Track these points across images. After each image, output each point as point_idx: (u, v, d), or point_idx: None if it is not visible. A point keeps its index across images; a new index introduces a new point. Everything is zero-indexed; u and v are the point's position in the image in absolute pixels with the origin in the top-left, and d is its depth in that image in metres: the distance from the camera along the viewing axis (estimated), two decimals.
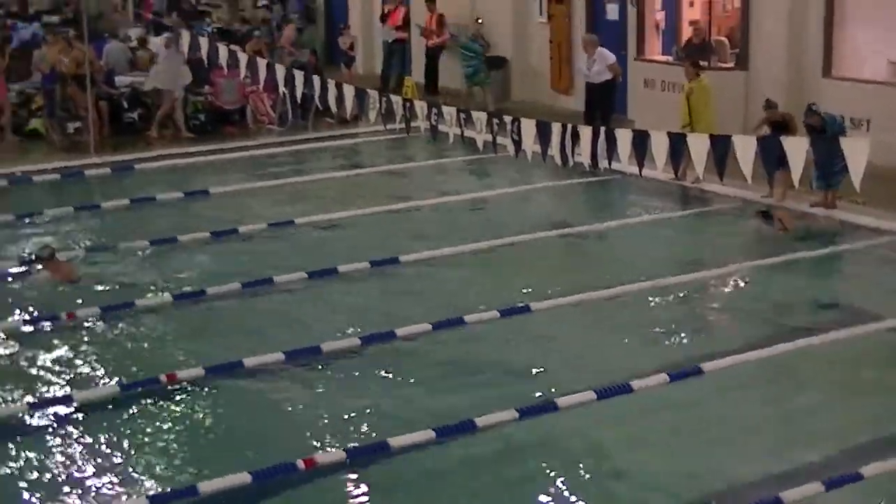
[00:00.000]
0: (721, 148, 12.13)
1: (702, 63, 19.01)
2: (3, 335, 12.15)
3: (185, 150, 21.25)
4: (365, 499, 8.90)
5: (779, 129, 15.96)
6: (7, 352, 11.80)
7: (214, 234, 15.73)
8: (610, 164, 14.28)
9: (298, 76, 17.70)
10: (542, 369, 11.19)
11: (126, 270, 14.46)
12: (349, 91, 16.95)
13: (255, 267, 14.27)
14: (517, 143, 14.71)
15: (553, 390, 10.48)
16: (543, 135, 14.35)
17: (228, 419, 10.29)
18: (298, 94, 18.48)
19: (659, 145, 12.92)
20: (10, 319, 12.62)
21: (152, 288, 13.54)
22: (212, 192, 18.19)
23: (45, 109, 22.35)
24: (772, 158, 12.31)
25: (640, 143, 13.24)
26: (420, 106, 16.18)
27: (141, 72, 24.24)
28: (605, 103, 20.67)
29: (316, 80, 17.60)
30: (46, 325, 12.46)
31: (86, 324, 12.48)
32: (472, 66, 24.55)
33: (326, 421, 10.14)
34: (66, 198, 17.80)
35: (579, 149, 14.09)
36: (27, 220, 16.68)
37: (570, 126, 14.27)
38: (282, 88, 18.17)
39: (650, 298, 13.12)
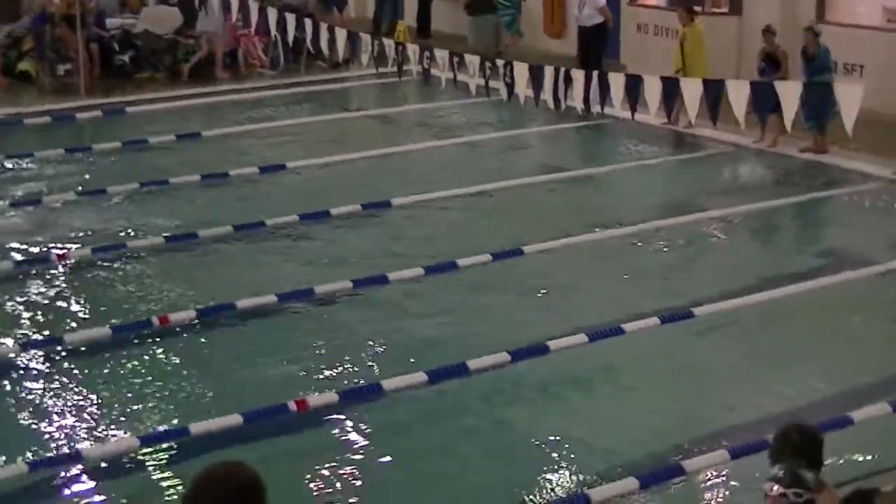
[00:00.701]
0: (714, 92, 12.15)
1: (695, 8, 18.93)
2: None
3: (177, 92, 21.14)
4: (358, 440, 8.92)
5: (771, 63, 15.96)
6: None
7: (206, 177, 15.69)
8: (603, 108, 14.26)
9: (290, 19, 17.62)
10: (533, 312, 11.21)
11: (118, 213, 14.44)
12: (341, 35, 16.89)
13: (247, 210, 14.25)
14: (510, 87, 14.69)
15: (543, 333, 10.49)
16: (536, 79, 14.34)
17: (221, 362, 10.32)
18: (290, 38, 18.38)
19: (652, 90, 12.92)
20: (1, 261, 12.60)
21: (143, 230, 13.51)
22: (203, 134, 18.12)
23: (35, 51, 22.21)
24: (765, 103, 12.30)
25: (633, 87, 13.23)
26: (412, 49, 16.13)
27: (132, 14, 24.10)
28: (596, 47, 20.60)
29: (308, 23, 17.51)
30: (37, 266, 12.44)
31: (77, 265, 12.47)
32: (509, 14, 24.39)
33: (318, 364, 10.16)
34: (57, 140, 17.70)
35: (572, 93, 14.07)
36: (18, 162, 16.61)
37: (562, 70, 14.25)
38: (273, 32, 18.07)
39: (639, 242, 13.15)
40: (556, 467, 8.47)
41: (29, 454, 8.58)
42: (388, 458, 8.68)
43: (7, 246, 13.10)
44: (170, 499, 8.14)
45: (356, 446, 8.84)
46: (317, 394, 9.46)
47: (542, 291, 11.91)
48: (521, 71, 14.40)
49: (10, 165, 16.51)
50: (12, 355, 10.27)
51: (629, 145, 17.55)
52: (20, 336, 10.70)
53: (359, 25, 22.70)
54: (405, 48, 16.18)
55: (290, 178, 16.00)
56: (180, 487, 8.22)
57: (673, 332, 10.71)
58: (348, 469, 8.44)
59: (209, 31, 22.38)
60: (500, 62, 14.90)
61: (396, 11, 26.60)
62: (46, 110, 19.67)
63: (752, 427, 8.89)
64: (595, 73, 13.85)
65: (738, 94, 11.78)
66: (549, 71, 14.22)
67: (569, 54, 21.71)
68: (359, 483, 8.31)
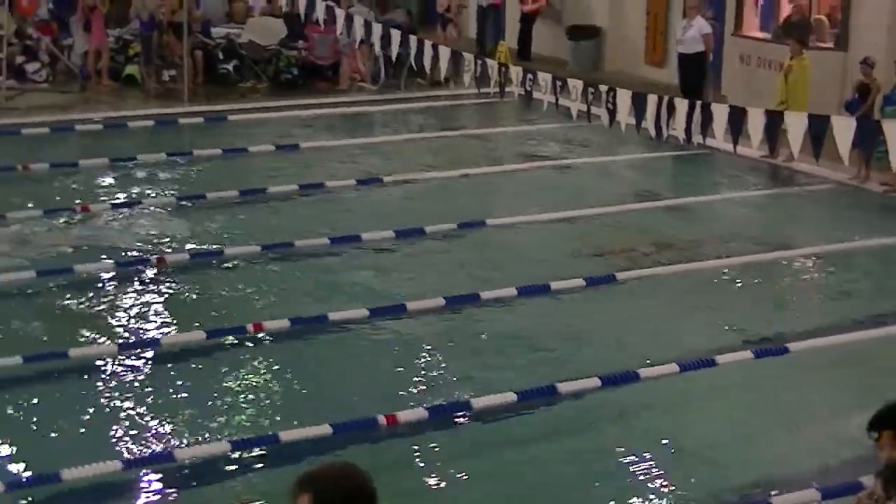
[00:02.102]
0: (819, 128, 12.02)
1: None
2: (92, 279, 12.32)
3: (277, 103, 21.38)
4: (445, 457, 8.94)
5: (863, 95, 15.85)
6: (96, 294, 11.98)
7: (303, 187, 15.83)
8: (704, 139, 14.16)
9: (394, 35, 17.74)
10: (625, 342, 11.17)
11: (216, 219, 14.62)
12: (444, 53, 16.96)
13: (343, 222, 14.36)
14: (611, 113, 14.67)
15: (636, 362, 10.46)
16: (638, 106, 14.30)
17: (312, 371, 10.41)
18: (393, 54, 18.50)
19: (755, 122, 12.82)
20: (100, 262, 12.81)
21: (240, 238, 13.66)
22: (302, 146, 18.29)
23: (141, 56, 22.59)
24: (870, 140, 12.16)
25: (737, 119, 13.14)
26: (515, 71, 16.16)
27: (237, 24, 24.43)
28: (696, 77, 20.49)
29: (412, 40, 17.62)
30: (135, 269, 12.63)
31: (175, 270, 12.64)
32: None
33: (410, 379, 10.21)
34: (160, 144, 17.99)
35: (674, 122, 14.01)
36: (121, 165, 16.87)
37: (665, 98, 14.20)
38: (377, 47, 18.20)
39: (731, 275, 13.04)
40: (639, 494, 8.44)
41: (123, 453, 8.73)
42: (470, 477, 8.68)
43: (107, 248, 13.33)
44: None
45: (443, 463, 8.85)
46: (408, 409, 9.49)
47: (632, 319, 11.86)
48: (623, 97, 14.39)
49: (113, 168, 16.78)
50: (110, 356, 10.44)
51: (726, 177, 17.43)
52: (118, 337, 10.86)
53: (460, 44, 22.78)
54: (508, 69, 16.23)
55: (385, 193, 16.09)
56: (268, 493, 8.34)
57: (765, 366, 10.62)
58: (432, 485, 8.46)
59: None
60: (602, 88, 14.88)
61: (499, 32, 26.61)
62: (150, 115, 19.98)
63: (841, 469, 8.79)
64: (698, 103, 13.78)
65: (845, 131, 11.65)
66: (651, 99, 14.19)
67: (668, 83, 21.64)
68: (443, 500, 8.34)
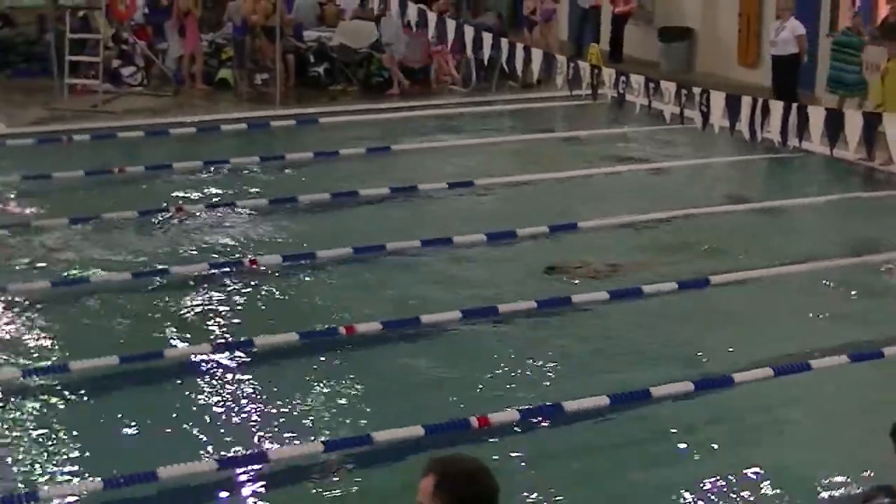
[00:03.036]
0: None
1: None
2: (186, 280, 12.44)
3: (368, 106, 21.47)
4: (535, 459, 8.89)
5: None
6: (190, 295, 12.09)
7: (395, 190, 15.87)
8: (800, 141, 13.98)
9: (486, 38, 17.73)
10: (717, 346, 11.06)
11: (308, 222, 14.70)
12: (536, 55, 16.92)
13: (435, 225, 14.38)
14: (705, 116, 14.53)
15: (730, 366, 10.35)
16: (732, 108, 14.15)
17: (405, 373, 10.41)
18: (485, 57, 18.48)
19: (852, 125, 12.63)
20: (194, 264, 12.93)
21: (332, 240, 13.68)
22: (393, 148, 18.34)
23: (234, 60, 22.80)
24: None
25: (833, 121, 12.95)
26: (608, 73, 16.07)
27: (328, 27, 24.57)
28: (789, 79, 20.26)
29: (504, 42, 17.60)
30: (229, 271, 12.73)
31: (268, 271, 12.73)
32: (852, 71, 19.92)
33: (502, 381, 10.19)
34: (252, 147, 18.15)
35: (768, 124, 13.84)
36: (214, 168, 17.04)
37: (760, 101, 14.04)
38: (469, 50, 18.20)
39: (825, 279, 12.86)
40: (739, 500, 8.35)
41: (218, 452, 8.80)
42: (558, 481, 8.61)
43: (201, 250, 13.46)
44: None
45: (532, 466, 8.81)
46: (500, 411, 9.46)
47: (725, 323, 11.74)
48: (717, 100, 14.25)
49: (206, 171, 16.95)
50: (205, 356, 10.53)
51: (820, 180, 17.18)
52: (212, 338, 10.95)
53: (551, 47, 22.71)
54: (600, 71, 16.15)
55: (477, 196, 16.08)
56: (361, 494, 8.37)
57: (861, 370, 10.45)
58: (521, 488, 8.40)
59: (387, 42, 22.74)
60: (696, 90, 14.75)
61: (596, 34, 26.42)
62: (242, 118, 20.16)
63: None
64: (794, 106, 13.60)
65: None
66: (746, 101, 14.04)
67: (761, 85, 21.41)
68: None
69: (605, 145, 19.27)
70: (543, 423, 9.45)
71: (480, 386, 10.13)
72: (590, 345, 11.12)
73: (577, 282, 12.60)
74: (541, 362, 10.60)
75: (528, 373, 10.37)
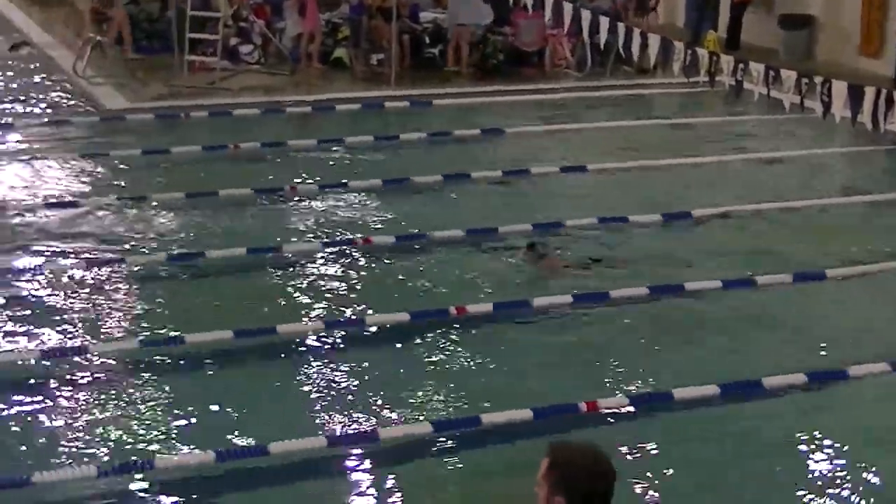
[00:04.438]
0: None
1: None
2: (299, 257, 12.56)
3: (482, 88, 21.46)
4: (642, 447, 8.84)
5: None
6: (303, 273, 12.20)
7: (507, 173, 15.86)
8: None
9: (603, 22, 17.63)
10: (832, 338, 10.91)
11: (421, 203, 14.76)
12: (654, 40, 16.77)
13: (546, 209, 14.35)
14: (826, 106, 14.31)
15: (844, 359, 10.21)
16: (855, 98, 13.92)
17: (514, 355, 10.41)
18: (602, 41, 18.36)
19: None
20: (307, 242, 13.06)
21: (445, 221, 13.70)
22: (507, 131, 18.31)
23: (350, 40, 22.92)
24: None
25: None
26: (726, 60, 15.89)
27: (444, 9, 24.57)
28: None
29: (620, 27, 17.48)
30: (342, 250, 12.82)
31: (380, 251, 12.80)
32: None
33: (611, 366, 10.17)
34: (366, 127, 18.23)
35: (892, 115, 13.59)
36: (329, 147, 17.16)
37: (884, 91, 13.79)
38: (585, 34, 18.10)
39: None
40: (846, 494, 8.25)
41: (328, 430, 8.90)
42: (665, 467, 8.59)
43: (314, 228, 13.58)
44: (458, 485, 8.31)
45: (640, 452, 8.77)
46: (608, 397, 9.45)
47: (840, 316, 11.58)
48: (839, 90, 14.02)
49: (321, 149, 17.08)
50: (317, 334, 10.64)
51: None
52: (324, 315, 11.05)
53: (663, 31, 22.46)
54: (719, 59, 15.97)
55: (589, 180, 16.01)
56: (468, 475, 8.40)
57: None
58: (628, 474, 8.37)
59: (469, 23, 22.64)
60: (817, 79, 14.52)
61: (714, 21, 26.07)
62: (357, 97, 20.27)
63: None
64: None
65: None
66: (869, 91, 13.79)
67: (883, 75, 21.01)
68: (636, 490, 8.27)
69: (720, 133, 19.02)
70: (652, 410, 9.40)
71: (591, 370, 10.11)
72: (702, 332, 11.04)
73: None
74: (648, 348, 10.58)
75: (638, 360, 10.31)
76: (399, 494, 8.21)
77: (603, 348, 10.57)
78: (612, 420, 9.21)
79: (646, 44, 16.88)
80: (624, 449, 8.67)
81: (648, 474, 8.39)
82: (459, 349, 10.49)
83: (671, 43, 16.61)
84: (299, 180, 15.27)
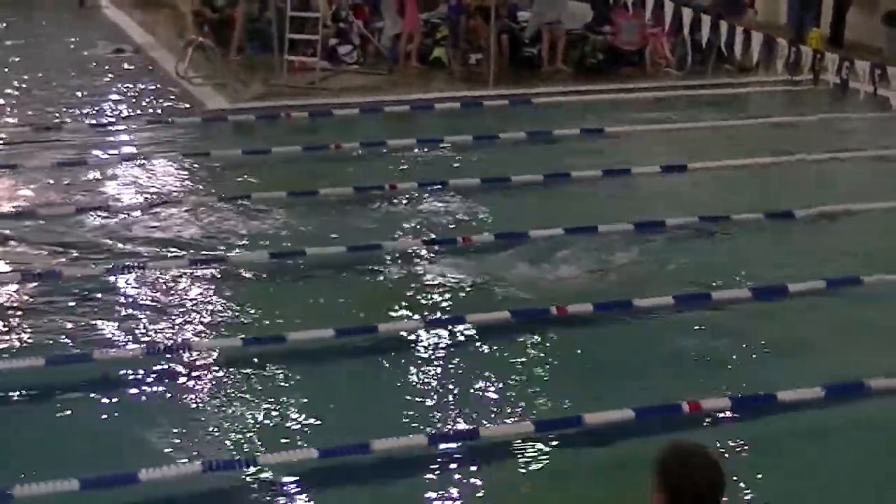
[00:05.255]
0: None
1: None
2: (399, 255, 12.58)
3: (582, 87, 21.36)
4: (743, 449, 8.75)
5: None
6: (403, 271, 12.23)
7: (607, 172, 15.76)
8: None
9: (704, 20, 17.45)
10: None
11: (520, 201, 14.73)
12: (756, 38, 16.57)
13: (647, 208, 14.25)
14: None
15: None
16: None
17: (617, 354, 10.37)
18: (703, 39, 18.17)
19: None
20: (406, 240, 13.09)
21: (544, 220, 13.62)
22: (606, 130, 18.21)
23: (448, 40, 22.94)
24: None
25: None
26: (831, 59, 15.64)
27: None
28: None
29: (723, 25, 17.29)
30: (442, 248, 12.83)
31: (480, 250, 12.78)
32: None
33: (715, 367, 10.09)
34: (465, 127, 18.21)
35: None
36: (428, 147, 17.19)
37: None
38: (686, 32, 17.93)
39: None
40: None
41: (428, 428, 8.91)
42: (766, 470, 8.48)
43: (414, 227, 13.61)
44: (557, 486, 8.27)
45: (741, 454, 8.68)
46: (711, 397, 9.35)
47: None
48: None
49: (420, 149, 17.11)
50: (417, 332, 10.66)
51: None
52: (425, 314, 11.06)
53: (764, 29, 22.18)
54: (823, 57, 15.73)
55: (690, 180, 15.86)
56: (568, 475, 8.37)
57: None
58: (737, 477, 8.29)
59: (550, 19, 22.50)
60: None
61: (817, 18, 25.68)
62: (456, 97, 20.27)
63: None
64: None
65: None
66: None
67: None
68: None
69: (825, 132, 18.70)
70: (757, 412, 9.29)
71: (693, 370, 10.02)
72: (802, 332, 10.91)
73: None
74: (753, 349, 10.45)
75: (743, 360, 10.21)
76: (498, 494, 8.20)
77: (707, 348, 10.47)
78: (714, 422, 9.11)
79: (748, 42, 16.65)
80: (727, 451, 8.57)
81: (757, 476, 8.29)
82: (559, 350, 10.44)
83: (774, 41, 16.37)
84: (399, 179, 15.29)
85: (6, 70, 21.85)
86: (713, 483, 4.49)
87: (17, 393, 9.50)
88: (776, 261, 12.71)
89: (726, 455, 8.47)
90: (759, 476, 8.36)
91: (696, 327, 10.97)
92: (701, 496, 4.47)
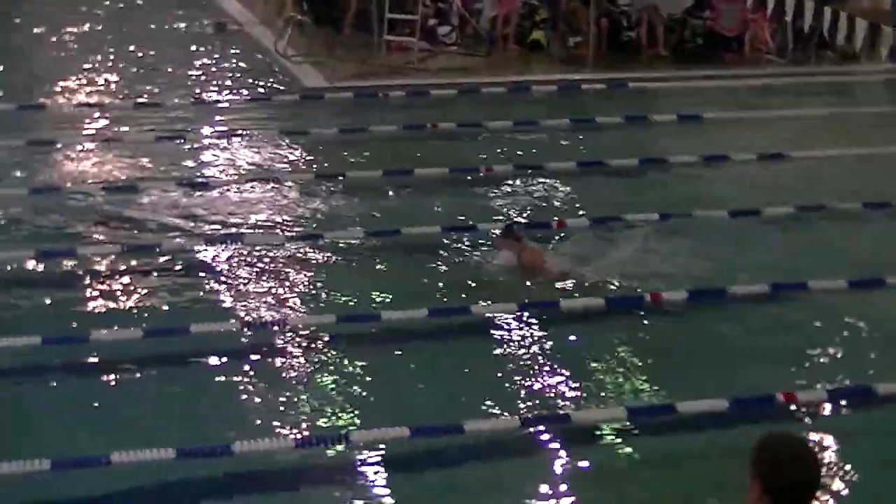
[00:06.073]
0: None
1: None
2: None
3: (681, 72, 21.16)
4: (840, 441, 8.65)
5: None
6: (494, 254, 12.21)
7: (705, 158, 15.60)
8: None
9: (808, 6, 17.19)
10: None
11: (615, 187, 14.69)
12: (861, 25, 16.28)
13: (743, 195, 14.14)
14: None
15: None
16: None
17: (711, 344, 10.35)
18: (806, 25, 17.90)
19: None
20: (502, 220, 13.04)
21: (639, 206, 13.51)
22: (705, 116, 18.03)
23: (547, 22, 22.84)
24: None
25: None
26: None
27: None
28: None
29: (826, 11, 17.01)
30: (538, 233, 12.76)
31: (573, 234, 12.74)
32: None
33: (810, 358, 9.99)
34: (562, 110, 18.13)
35: None
36: (524, 129, 17.14)
37: None
38: (789, 17, 17.67)
39: None
40: None
41: (521, 410, 8.93)
42: (859, 464, 8.38)
43: (509, 209, 13.60)
44: (649, 472, 8.26)
45: (839, 446, 8.58)
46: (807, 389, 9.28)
47: None
48: None
49: (516, 131, 17.05)
50: (509, 315, 10.62)
51: None
52: (517, 297, 11.01)
53: (870, 15, 21.80)
54: None
55: (789, 168, 15.66)
56: (661, 462, 8.35)
57: None
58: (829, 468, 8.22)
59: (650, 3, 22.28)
60: None
61: None
62: (554, 80, 20.18)
63: None
64: None
65: None
66: None
67: None
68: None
69: None
70: (853, 406, 9.20)
71: (789, 361, 9.93)
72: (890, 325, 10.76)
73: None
74: (848, 342, 10.34)
75: (838, 353, 10.10)
76: (589, 478, 8.25)
77: (803, 339, 10.36)
78: (810, 413, 9.04)
79: (852, 28, 16.37)
80: (824, 443, 8.50)
81: (851, 470, 8.21)
82: (652, 336, 10.42)
83: (879, 27, 16.08)
84: (495, 161, 15.28)
85: (108, 46, 22.11)
86: (812, 474, 4.45)
87: (118, 364, 9.65)
88: (875, 251, 12.53)
89: (823, 447, 8.42)
90: (855, 468, 8.26)
91: (792, 316, 10.87)
92: (796, 488, 4.43)
